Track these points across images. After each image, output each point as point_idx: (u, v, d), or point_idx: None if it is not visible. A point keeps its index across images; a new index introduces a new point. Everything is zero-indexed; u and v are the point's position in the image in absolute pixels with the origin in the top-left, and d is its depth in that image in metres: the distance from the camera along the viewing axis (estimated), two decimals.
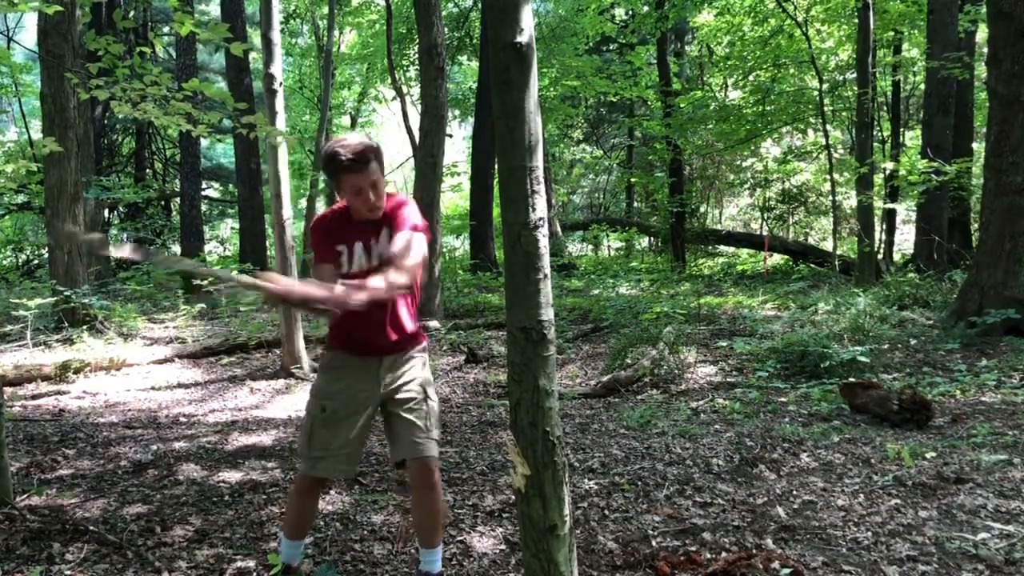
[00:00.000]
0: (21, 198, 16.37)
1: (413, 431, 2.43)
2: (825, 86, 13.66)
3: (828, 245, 16.51)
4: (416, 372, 2.52)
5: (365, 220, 2.42)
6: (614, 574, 2.67)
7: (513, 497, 2.13)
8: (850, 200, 15.62)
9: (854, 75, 12.81)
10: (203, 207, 18.14)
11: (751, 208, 22.43)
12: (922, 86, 14.60)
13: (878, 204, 11.71)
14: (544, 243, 1.94)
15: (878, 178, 12.21)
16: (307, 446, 2.44)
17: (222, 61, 20.06)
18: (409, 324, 2.51)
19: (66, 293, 8.08)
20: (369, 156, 2.31)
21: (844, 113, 15.32)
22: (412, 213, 2.43)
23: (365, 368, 2.45)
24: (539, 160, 1.91)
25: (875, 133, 14.04)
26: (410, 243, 2.36)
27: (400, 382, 2.48)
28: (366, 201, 2.35)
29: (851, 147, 16.30)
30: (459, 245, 19.45)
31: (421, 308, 8.85)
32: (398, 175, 25.68)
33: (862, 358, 5.65)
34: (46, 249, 10.23)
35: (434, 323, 8.77)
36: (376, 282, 2.23)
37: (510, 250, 1.94)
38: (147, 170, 20.40)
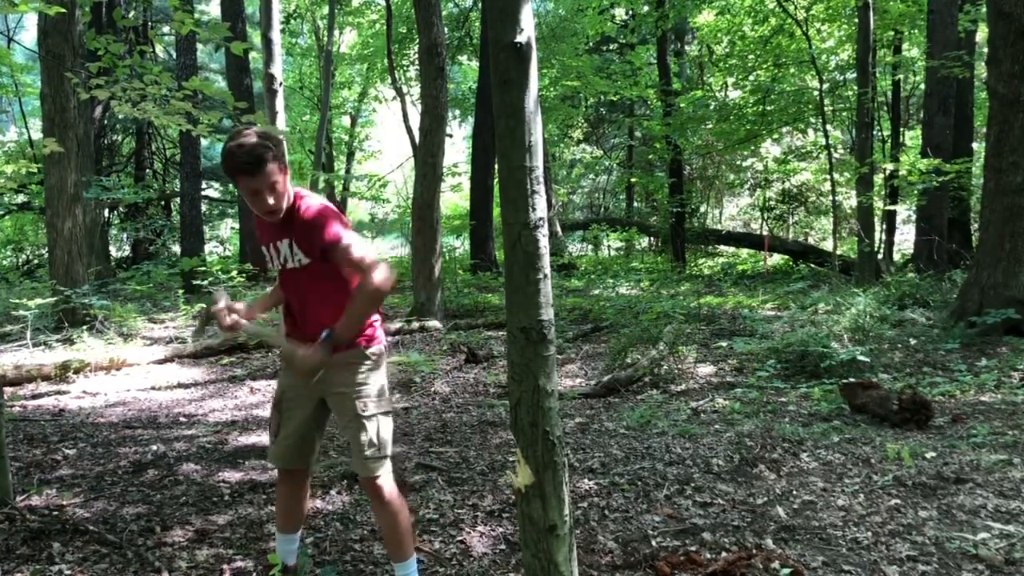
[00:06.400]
0: (21, 198, 16.38)
1: (352, 448, 2.38)
2: (825, 86, 13.66)
3: (828, 245, 16.51)
4: (349, 382, 2.34)
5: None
6: (614, 574, 2.67)
7: (513, 497, 2.12)
8: (850, 200, 15.62)
9: (854, 75, 12.80)
10: (203, 207, 18.12)
11: (751, 208, 22.43)
12: (922, 86, 14.59)
13: (878, 204, 11.70)
14: (544, 243, 1.94)
15: (878, 178, 12.20)
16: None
17: (222, 61, 20.05)
18: (327, 320, 2.29)
19: (66, 293, 8.08)
20: (266, 157, 2.12)
21: (844, 113, 15.32)
22: (321, 224, 2.21)
23: None
24: (539, 160, 1.91)
25: (875, 133, 14.03)
26: (348, 251, 2.21)
27: (332, 390, 2.36)
28: (263, 203, 2.18)
29: (851, 147, 16.28)
30: (459, 245, 19.40)
31: (422, 308, 8.98)
32: (398, 175, 25.66)
33: (862, 358, 5.65)
34: (46, 249, 10.25)
35: (434, 323, 8.77)
36: (354, 310, 2.28)
37: (510, 250, 1.94)
38: (147, 170, 20.39)
